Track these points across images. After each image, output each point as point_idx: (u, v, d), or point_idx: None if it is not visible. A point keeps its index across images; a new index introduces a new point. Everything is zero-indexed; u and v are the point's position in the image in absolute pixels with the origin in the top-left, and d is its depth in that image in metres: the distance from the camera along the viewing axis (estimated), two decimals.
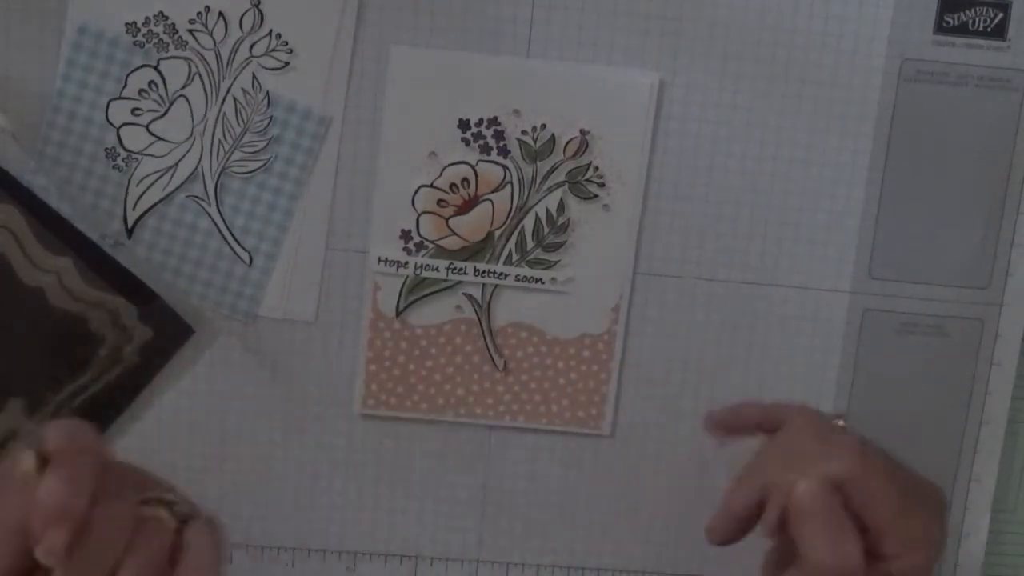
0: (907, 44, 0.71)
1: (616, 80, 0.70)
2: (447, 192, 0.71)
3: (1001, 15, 0.70)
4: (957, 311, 0.73)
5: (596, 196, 0.71)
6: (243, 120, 0.70)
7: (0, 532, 0.53)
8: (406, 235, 0.72)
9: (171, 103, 0.70)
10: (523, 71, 0.70)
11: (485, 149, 0.71)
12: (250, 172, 0.71)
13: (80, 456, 0.56)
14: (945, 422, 0.75)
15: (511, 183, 0.71)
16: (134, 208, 0.71)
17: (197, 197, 0.71)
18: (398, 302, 0.73)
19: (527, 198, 0.71)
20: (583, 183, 0.71)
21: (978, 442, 0.75)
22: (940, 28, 0.70)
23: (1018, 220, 0.73)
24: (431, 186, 0.71)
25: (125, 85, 0.70)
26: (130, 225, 0.71)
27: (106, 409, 0.72)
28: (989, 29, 0.70)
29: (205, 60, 0.70)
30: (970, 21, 0.70)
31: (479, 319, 0.73)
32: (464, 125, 0.70)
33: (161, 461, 0.74)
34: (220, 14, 0.69)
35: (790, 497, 0.59)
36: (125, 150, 0.71)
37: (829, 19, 0.70)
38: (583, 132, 0.70)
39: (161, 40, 0.69)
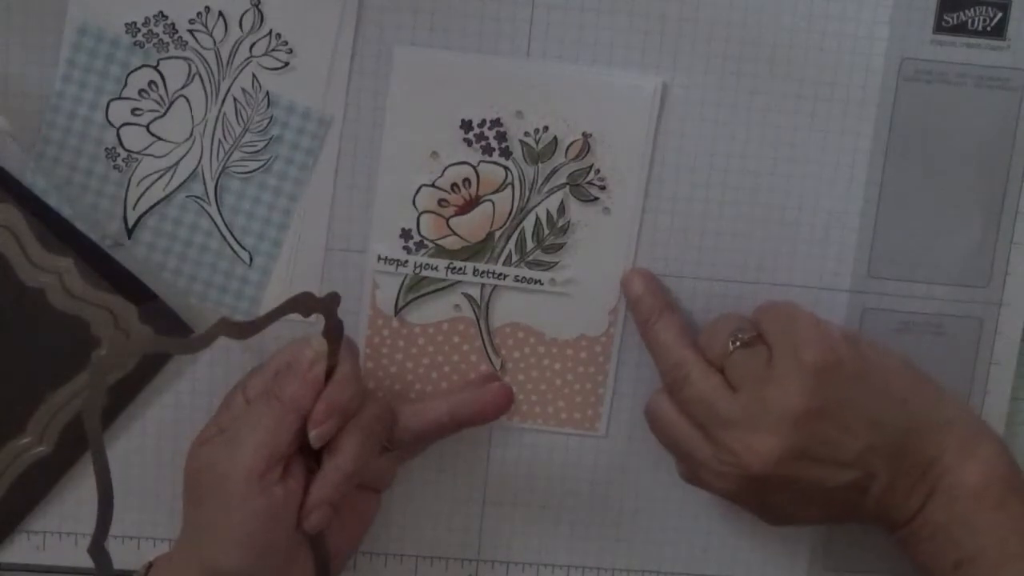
0: (906, 43, 0.71)
1: (619, 84, 0.70)
2: (448, 192, 0.71)
3: (1000, 15, 0.70)
4: (956, 310, 0.73)
5: (597, 199, 0.71)
6: (243, 120, 0.70)
7: (290, 412, 0.65)
8: (406, 234, 0.72)
9: (171, 103, 0.70)
10: (527, 73, 0.70)
11: (487, 150, 0.71)
12: (250, 172, 0.71)
13: (356, 356, 0.69)
14: None
15: (512, 184, 0.71)
16: (134, 208, 0.71)
17: (197, 197, 0.71)
18: (397, 300, 0.73)
19: (528, 199, 0.71)
20: (584, 186, 0.71)
21: None
22: (939, 28, 0.70)
23: (1017, 219, 0.73)
24: (432, 186, 0.71)
25: (125, 85, 0.70)
26: (130, 225, 0.71)
27: (106, 409, 0.72)
28: (988, 29, 0.70)
29: (205, 60, 0.70)
30: (969, 20, 0.70)
31: (477, 319, 0.73)
32: (467, 126, 0.70)
33: (161, 461, 0.74)
34: (220, 14, 0.69)
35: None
36: (125, 150, 0.70)
37: (829, 19, 0.70)
38: (585, 135, 0.70)
39: (161, 40, 0.69)
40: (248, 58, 0.70)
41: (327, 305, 0.66)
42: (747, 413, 0.66)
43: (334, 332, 0.66)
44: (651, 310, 0.71)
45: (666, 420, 0.69)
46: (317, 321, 0.72)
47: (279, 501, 0.64)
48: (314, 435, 0.65)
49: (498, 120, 0.70)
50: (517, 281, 0.72)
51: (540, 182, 0.71)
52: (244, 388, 0.68)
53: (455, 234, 0.72)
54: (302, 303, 0.65)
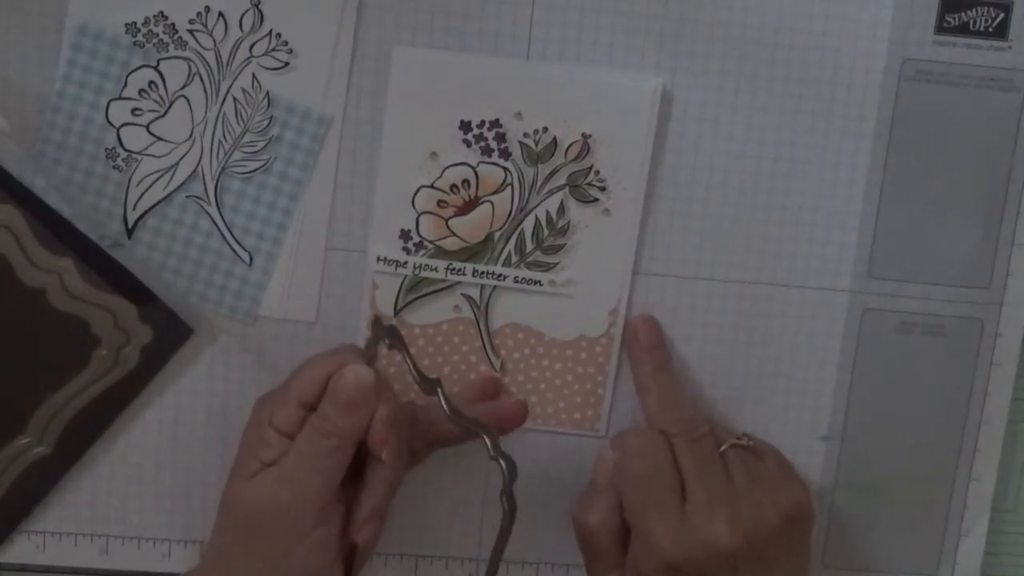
0: (908, 44, 0.71)
1: (619, 85, 0.70)
2: (447, 193, 0.71)
3: (1002, 15, 0.70)
4: (957, 311, 0.73)
5: (597, 200, 0.71)
6: (243, 120, 0.70)
7: (350, 446, 0.65)
8: (405, 235, 0.72)
9: (171, 103, 0.70)
10: (526, 73, 0.70)
11: (486, 151, 0.71)
12: (250, 172, 0.71)
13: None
14: (945, 421, 0.75)
15: (512, 185, 0.71)
16: (134, 208, 0.71)
17: (197, 197, 0.71)
18: (396, 301, 0.73)
19: (527, 200, 0.71)
20: (584, 187, 0.71)
21: (978, 442, 0.75)
22: (941, 28, 0.70)
23: (1018, 220, 0.73)
24: (431, 187, 0.71)
25: (125, 85, 0.70)
26: (130, 225, 0.71)
27: (106, 409, 0.72)
28: (990, 29, 0.70)
29: (205, 60, 0.70)
30: (971, 21, 0.70)
31: (477, 320, 0.73)
32: (466, 127, 0.70)
33: (161, 461, 0.74)
34: (220, 14, 0.69)
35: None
36: (125, 150, 0.70)
37: (829, 19, 0.70)
38: (585, 136, 0.70)
39: (161, 40, 0.69)
40: (248, 58, 0.70)
41: (374, 324, 0.68)
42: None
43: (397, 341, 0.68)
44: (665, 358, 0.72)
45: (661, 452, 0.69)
46: (316, 321, 0.72)
47: (337, 526, 0.66)
48: (386, 454, 0.66)
49: (497, 121, 0.70)
50: (517, 282, 0.72)
51: (540, 183, 0.71)
52: (271, 420, 0.67)
53: (454, 235, 0.72)
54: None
